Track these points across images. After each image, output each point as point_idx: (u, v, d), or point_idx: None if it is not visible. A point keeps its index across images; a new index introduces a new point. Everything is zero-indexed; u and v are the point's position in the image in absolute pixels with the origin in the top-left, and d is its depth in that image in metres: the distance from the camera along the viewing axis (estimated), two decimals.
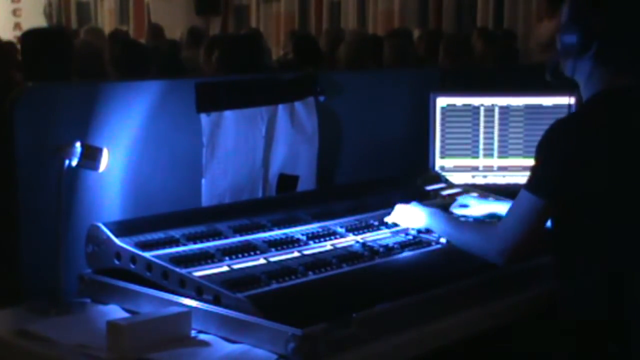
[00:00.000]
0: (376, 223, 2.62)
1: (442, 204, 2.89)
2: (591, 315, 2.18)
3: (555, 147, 2.18)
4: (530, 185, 2.19)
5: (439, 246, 2.47)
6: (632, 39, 2.21)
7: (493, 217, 2.73)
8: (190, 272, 2.14)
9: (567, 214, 2.19)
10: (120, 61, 4.78)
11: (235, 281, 2.09)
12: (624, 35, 2.20)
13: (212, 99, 2.70)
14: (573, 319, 2.22)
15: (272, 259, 2.28)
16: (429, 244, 2.47)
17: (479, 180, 3.21)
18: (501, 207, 2.71)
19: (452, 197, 2.98)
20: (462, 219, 2.77)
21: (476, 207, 2.82)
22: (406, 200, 2.69)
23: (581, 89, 2.27)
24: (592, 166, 2.14)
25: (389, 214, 2.65)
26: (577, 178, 2.14)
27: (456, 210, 2.83)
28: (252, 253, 2.31)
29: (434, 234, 2.53)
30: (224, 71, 4.50)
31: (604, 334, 2.16)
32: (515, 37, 7.68)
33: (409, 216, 2.61)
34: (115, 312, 2.19)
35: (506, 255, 2.23)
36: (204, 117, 2.68)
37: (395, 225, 2.61)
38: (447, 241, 2.47)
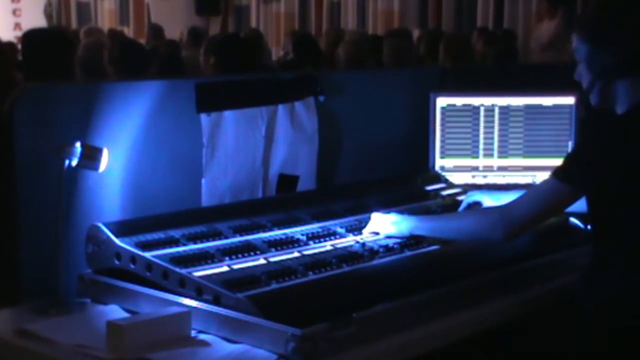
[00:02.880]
0: None
1: (440, 205, 2.89)
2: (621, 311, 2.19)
3: (595, 144, 2.21)
4: (558, 172, 2.23)
5: (438, 246, 2.46)
6: None
7: None
8: (190, 272, 2.14)
9: (603, 212, 2.22)
10: (119, 61, 4.78)
11: (235, 281, 2.09)
12: None
13: (212, 99, 2.70)
14: (591, 318, 2.23)
15: (272, 259, 2.28)
16: (429, 244, 2.47)
17: (479, 180, 3.20)
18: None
19: (452, 197, 2.97)
20: None
21: (490, 204, 2.78)
22: (381, 207, 2.65)
23: (618, 107, 2.27)
24: (631, 168, 2.15)
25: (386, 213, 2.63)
26: (612, 176, 2.16)
27: None
28: (252, 253, 2.31)
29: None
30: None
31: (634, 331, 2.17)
32: (515, 37, 7.69)
33: (388, 225, 2.53)
34: (115, 312, 2.19)
35: (507, 229, 2.25)
36: (204, 117, 2.68)
37: (377, 234, 2.55)
38: (440, 239, 2.44)
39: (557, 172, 2.23)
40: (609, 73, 2.22)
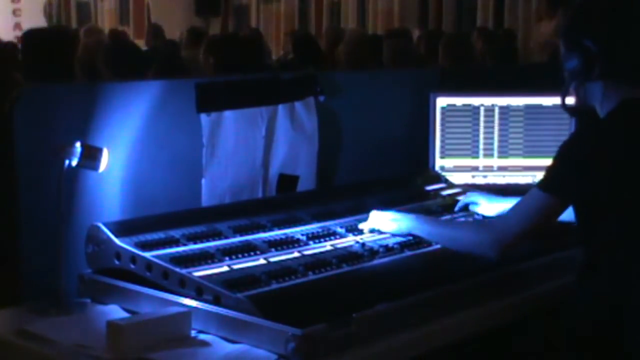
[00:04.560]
0: None
1: (440, 205, 2.89)
2: (607, 314, 2.18)
3: (575, 151, 2.19)
4: (542, 183, 2.21)
5: (438, 246, 2.46)
6: (634, 49, 2.21)
7: None
8: (190, 272, 2.14)
9: (590, 216, 2.21)
10: (114, 63, 4.76)
11: (235, 281, 2.09)
12: (624, 48, 2.20)
13: (212, 99, 2.70)
14: (590, 318, 2.22)
15: (272, 259, 2.28)
16: (429, 244, 2.47)
17: (479, 180, 3.20)
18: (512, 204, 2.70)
19: (452, 197, 2.97)
20: (471, 218, 2.77)
21: (486, 206, 2.79)
22: (381, 207, 2.65)
23: (598, 109, 2.27)
24: (613, 172, 2.14)
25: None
26: (595, 182, 2.15)
27: (464, 212, 2.81)
28: (252, 253, 2.31)
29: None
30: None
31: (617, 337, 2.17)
32: (515, 37, 7.69)
33: (388, 222, 2.54)
34: (115, 312, 2.19)
35: (500, 247, 2.24)
36: (204, 117, 2.68)
37: (379, 231, 2.55)
38: (435, 242, 2.44)
39: (541, 183, 2.21)
40: (579, 76, 2.22)
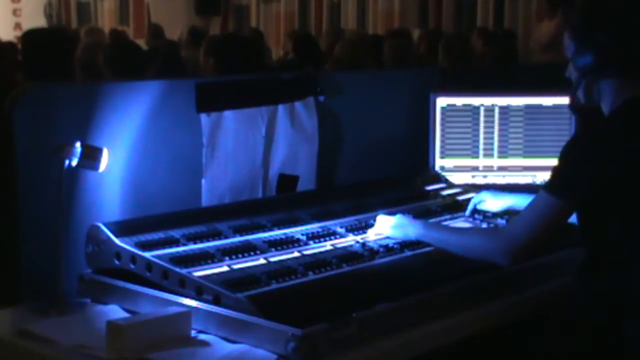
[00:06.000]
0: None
1: (440, 205, 2.89)
2: (610, 314, 2.18)
3: (578, 151, 2.18)
4: (549, 186, 2.20)
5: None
6: None
7: (510, 212, 2.71)
8: (190, 272, 2.14)
9: (593, 215, 2.21)
10: (114, 63, 4.76)
11: (235, 281, 2.09)
12: (635, 46, 2.20)
13: (212, 99, 2.70)
14: (590, 318, 2.22)
15: (272, 259, 2.28)
16: (429, 244, 2.47)
17: (479, 180, 3.20)
18: (517, 201, 2.69)
19: (452, 197, 2.97)
20: (477, 215, 2.77)
21: (491, 202, 2.78)
22: (381, 207, 2.65)
23: (604, 108, 2.26)
24: (615, 171, 2.14)
25: (389, 214, 2.63)
26: (598, 182, 2.14)
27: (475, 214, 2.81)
28: (252, 253, 2.31)
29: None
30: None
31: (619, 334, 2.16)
32: (515, 37, 7.69)
33: (395, 228, 2.52)
34: (115, 312, 2.19)
35: (513, 254, 2.22)
36: (204, 117, 2.68)
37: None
38: (444, 249, 2.42)
39: (548, 186, 2.20)
40: (592, 72, 2.21)
